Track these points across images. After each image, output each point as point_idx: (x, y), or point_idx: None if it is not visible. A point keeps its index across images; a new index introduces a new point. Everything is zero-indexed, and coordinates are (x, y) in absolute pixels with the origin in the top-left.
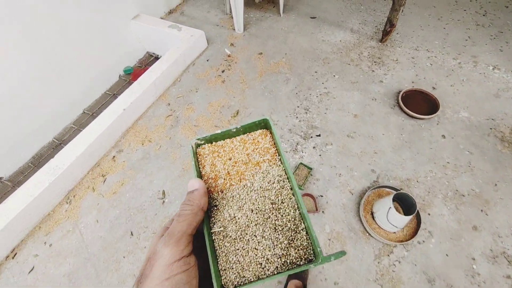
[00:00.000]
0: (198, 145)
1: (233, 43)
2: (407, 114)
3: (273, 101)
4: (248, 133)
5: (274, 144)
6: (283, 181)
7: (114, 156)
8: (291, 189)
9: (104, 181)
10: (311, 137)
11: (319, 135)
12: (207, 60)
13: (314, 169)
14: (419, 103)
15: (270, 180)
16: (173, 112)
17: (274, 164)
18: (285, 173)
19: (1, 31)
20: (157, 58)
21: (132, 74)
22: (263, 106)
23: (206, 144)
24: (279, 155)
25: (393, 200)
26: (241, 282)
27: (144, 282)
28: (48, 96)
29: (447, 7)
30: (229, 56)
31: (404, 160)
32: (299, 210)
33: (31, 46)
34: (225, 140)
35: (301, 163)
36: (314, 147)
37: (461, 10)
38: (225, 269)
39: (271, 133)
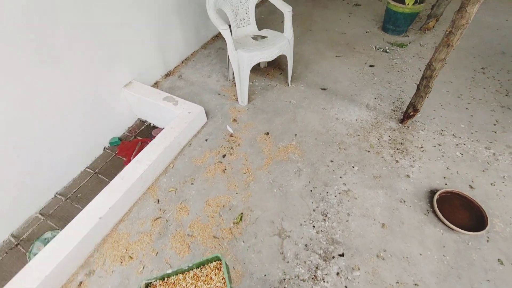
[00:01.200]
0: (147, 284)
1: (236, 118)
2: (445, 225)
3: (283, 201)
4: (202, 267)
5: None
6: None
7: (81, 283)
8: None
9: None
10: (333, 257)
11: (342, 255)
12: (206, 140)
13: None
14: (458, 209)
15: None
16: (162, 213)
17: None
18: None
19: None
20: (149, 126)
21: (119, 147)
22: (272, 207)
23: (158, 281)
24: None
25: None
26: None
27: None
28: (7, 178)
29: (464, 83)
30: (231, 135)
31: None
32: None
33: None
34: (178, 275)
35: None
36: (338, 274)
37: (480, 88)
38: None
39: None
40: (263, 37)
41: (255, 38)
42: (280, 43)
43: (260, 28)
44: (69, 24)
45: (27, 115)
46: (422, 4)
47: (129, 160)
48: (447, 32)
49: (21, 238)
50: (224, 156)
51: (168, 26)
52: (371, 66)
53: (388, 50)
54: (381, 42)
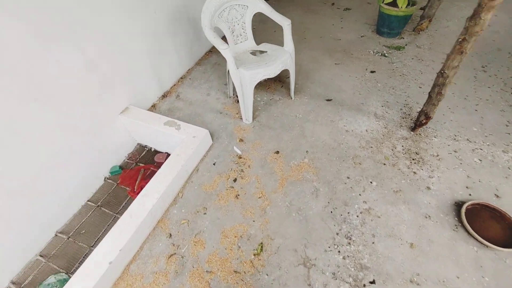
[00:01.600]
0: None
1: (242, 138)
2: (478, 241)
3: (304, 226)
4: None
5: None
6: None
7: None
8: None
9: None
10: (364, 285)
11: (374, 282)
12: (214, 164)
13: None
14: (488, 222)
15: None
16: (176, 248)
17: None
18: None
19: None
20: (150, 150)
21: (120, 176)
22: (293, 234)
23: None
24: None
25: None
26: None
27: None
28: (2, 222)
29: (468, 84)
30: (240, 157)
31: None
32: None
33: None
34: None
35: None
36: None
37: (484, 87)
38: None
39: None
40: (261, 51)
41: (253, 53)
42: (282, 58)
43: (256, 41)
44: (57, 56)
45: (19, 156)
46: (414, 6)
47: (133, 190)
48: (460, 40)
49: (22, 285)
50: (235, 180)
51: (162, 45)
52: (372, 72)
53: (386, 54)
54: (378, 46)
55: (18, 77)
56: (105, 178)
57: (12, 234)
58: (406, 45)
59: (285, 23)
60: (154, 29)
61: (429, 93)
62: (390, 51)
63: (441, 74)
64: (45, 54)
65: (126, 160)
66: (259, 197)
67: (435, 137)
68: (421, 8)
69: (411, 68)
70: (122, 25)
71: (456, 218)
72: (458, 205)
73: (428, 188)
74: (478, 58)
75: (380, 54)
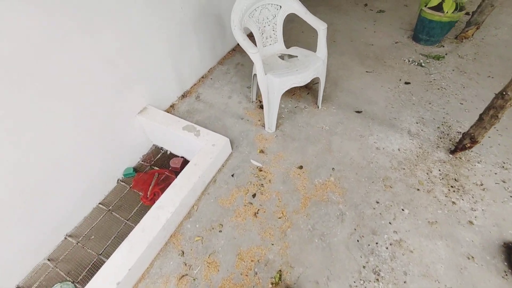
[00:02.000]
0: None
1: (263, 148)
2: None
3: (327, 254)
4: None
5: None
6: None
7: None
8: None
9: None
10: None
11: None
12: (232, 175)
13: None
14: None
15: None
16: (188, 268)
17: None
18: None
19: None
20: (166, 153)
21: (134, 180)
22: (315, 263)
23: None
24: None
25: None
26: None
27: None
28: (13, 223)
29: None
30: (260, 170)
31: None
32: None
33: None
34: None
35: None
36: None
37: None
38: None
39: None
40: (290, 56)
41: (281, 57)
42: (315, 65)
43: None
44: (76, 50)
45: (32, 153)
46: (462, 12)
47: (145, 196)
48: None
49: None
50: (254, 195)
51: (184, 42)
52: (406, 83)
53: (423, 64)
54: (414, 54)
55: (35, 71)
56: (118, 180)
57: (23, 234)
58: (446, 54)
59: (321, 27)
60: (178, 26)
61: (481, 115)
62: (427, 61)
63: (501, 95)
64: (63, 47)
65: (140, 162)
66: (279, 217)
67: (478, 162)
68: (466, 13)
69: (451, 81)
70: (145, 20)
71: (506, 263)
72: (509, 247)
73: (470, 222)
74: None
75: (416, 63)
